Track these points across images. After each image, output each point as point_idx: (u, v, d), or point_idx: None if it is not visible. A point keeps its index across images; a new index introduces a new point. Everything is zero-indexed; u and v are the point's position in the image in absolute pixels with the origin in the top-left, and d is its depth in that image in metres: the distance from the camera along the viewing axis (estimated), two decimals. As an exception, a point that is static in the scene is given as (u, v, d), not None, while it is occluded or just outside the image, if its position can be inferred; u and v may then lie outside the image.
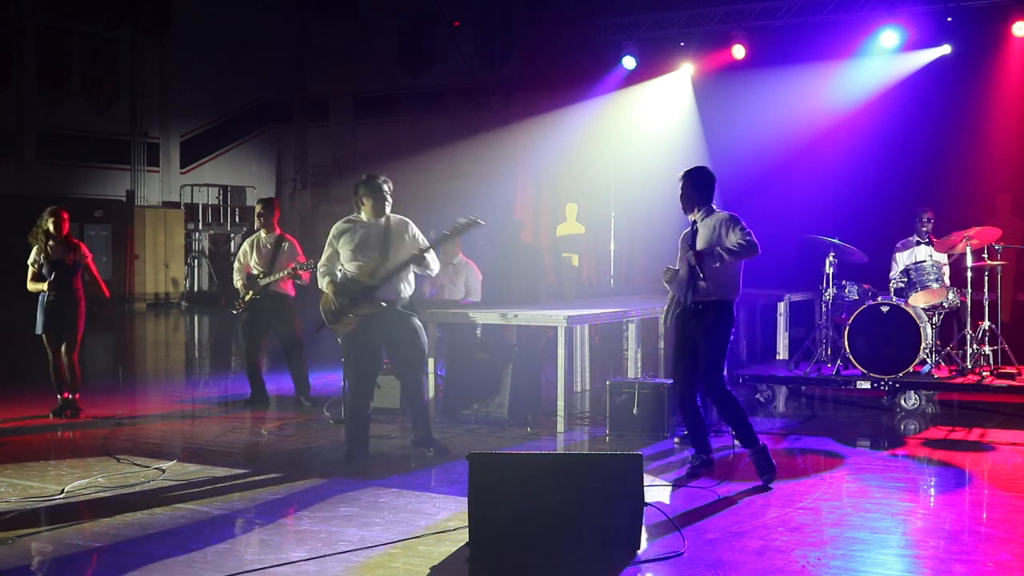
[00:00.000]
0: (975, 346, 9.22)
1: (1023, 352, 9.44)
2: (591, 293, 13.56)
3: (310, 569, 4.70)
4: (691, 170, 6.64)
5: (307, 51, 29.63)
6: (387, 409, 8.49)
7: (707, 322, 6.47)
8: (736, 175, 10.69)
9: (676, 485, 6.35)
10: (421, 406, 7.27)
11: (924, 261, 9.42)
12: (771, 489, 6.17)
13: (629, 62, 13.86)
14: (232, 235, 28.41)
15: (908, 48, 12.23)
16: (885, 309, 9.05)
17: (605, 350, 12.89)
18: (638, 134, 14.24)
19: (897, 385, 9.04)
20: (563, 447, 7.75)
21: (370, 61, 28.36)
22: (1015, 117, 11.85)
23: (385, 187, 7.09)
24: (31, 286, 8.70)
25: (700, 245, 6.44)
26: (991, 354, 9.21)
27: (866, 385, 9.11)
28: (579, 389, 10.40)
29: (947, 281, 9.39)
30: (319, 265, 7.16)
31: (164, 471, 6.64)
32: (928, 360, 9.28)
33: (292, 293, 9.39)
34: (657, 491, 6.14)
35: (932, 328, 9.30)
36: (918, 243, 9.91)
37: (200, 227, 28.19)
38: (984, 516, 5.84)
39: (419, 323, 7.19)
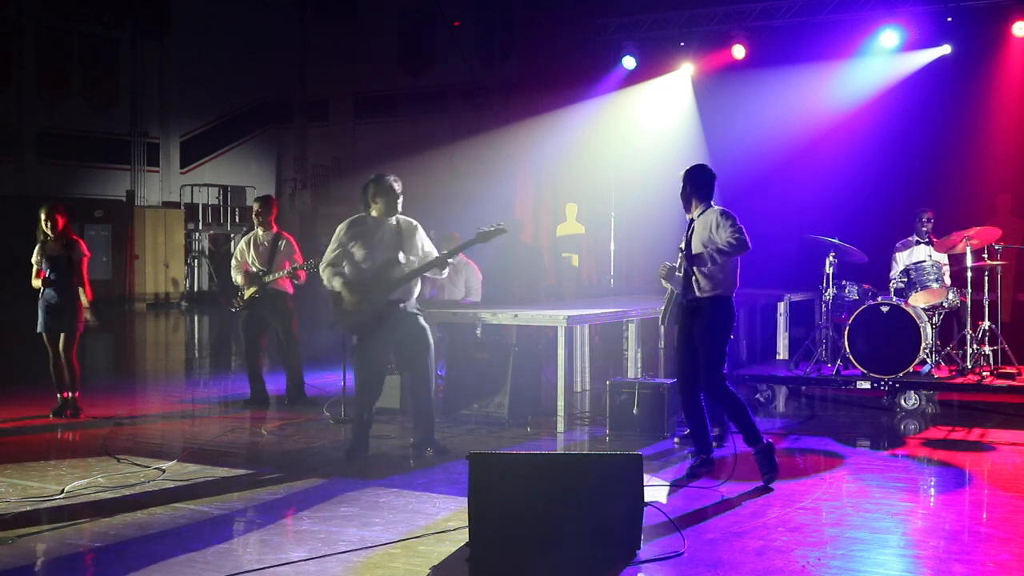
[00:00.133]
0: (975, 346, 9.22)
1: (1023, 352, 9.44)
2: (591, 293, 13.56)
3: (310, 569, 4.70)
4: (691, 168, 6.67)
5: (307, 51, 29.63)
6: (387, 409, 8.49)
7: (705, 319, 6.48)
8: (736, 175, 10.69)
9: (676, 485, 6.35)
10: (427, 409, 7.22)
11: (924, 261, 9.42)
12: (771, 489, 6.17)
13: (629, 62, 13.86)
14: (232, 235, 28.40)
15: (908, 48, 12.23)
16: (885, 309, 9.05)
17: (605, 350, 12.89)
18: (638, 134, 14.24)
19: (897, 385, 9.04)
20: (563, 447, 7.75)
21: (370, 61, 28.37)
22: (1015, 117, 11.85)
23: (396, 186, 7.10)
24: (34, 283, 8.71)
25: (696, 241, 6.48)
26: (991, 354, 9.21)
27: (866, 385, 9.12)
28: (579, 389, 10.40)
29: (947, 281, 9.39)
30: (325, 263, 7.07)
31: (164, 471, 6.64)
32: (928, 360, 9.28)
33: (290, 291, 9.39)
34: (657, 491, 6.15)
35: (932, 328, 9.30)
36: (918, 243, 9.91)
37: (200, 227, 28.19)
38: (984, 516, 5.84)
39: (426, 324, 7.21)
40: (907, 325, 8.94)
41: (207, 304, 25.99)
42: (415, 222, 7.23)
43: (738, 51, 12.99)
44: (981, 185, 11.89)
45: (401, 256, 7.04)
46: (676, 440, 7.66)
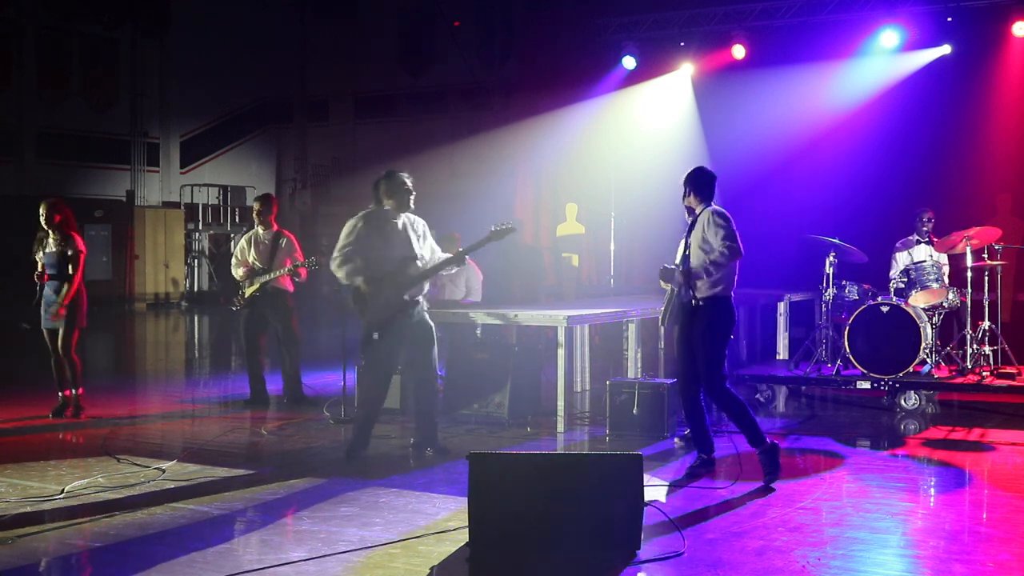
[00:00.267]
0: (975, 346, 9.22)
1: (1023, 352, 9.45)
2: (591, 293, 13.56)
3: (310, 569, 4.70)
4: (691, 171, 6.69)
5: (307, 51, 29.63)
6: (387, 409, 8.47)
7: (704, 320, 6.50)
8: (736, 175, 10.68)
9: (676, 485, 6.35)
10: (431, 409, 7.23)
11: (924, 261, 9.43)
12: (772, 489, 6.17)
13: (629, 62, 13.86)
14: (232, 235, 28.41)
15: (908, 48, 12.23)
16: (885, 309, 9.05)
17: (605, 350, 12.89)
18: (638, 134, 14.23)
19: (897, 385, 9.04)
20: (563, 447, 7.75)
21: (370, 61, 28.36)
22: (1015, 117, 11.84)
23: (409, 183, 7.10)
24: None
25: (693, 242, 6.51)
26: (991, 354, 9.21)
27: (866, 385, 9.12)
28: (579, 389, 10.40)
29: (947, 281, 9.39)
30: (341, 258, 6.93)
31: (164, 471, 6.64)
32: (928, 360, 9.28)
33: (291, 289, 9.40)
34: (657, 491, 6.15)
35: (932, 328, 9.31)
36: (918, 243, 9.91)
37: (200, 227, 28.19)
38: (984, 516, 5.84)
39: (433, 323, 7.23)
40: (907, 325, 8.94)
41: (207, 304, 25.99)
42: (422, 220, 7.25)
43: (738, 51, 12.99)
44: (981, 185, 11.89)
45: (417, 252, 7.06)
46: (676, 440, 7.66)
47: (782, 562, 4.77)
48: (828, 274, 9.47)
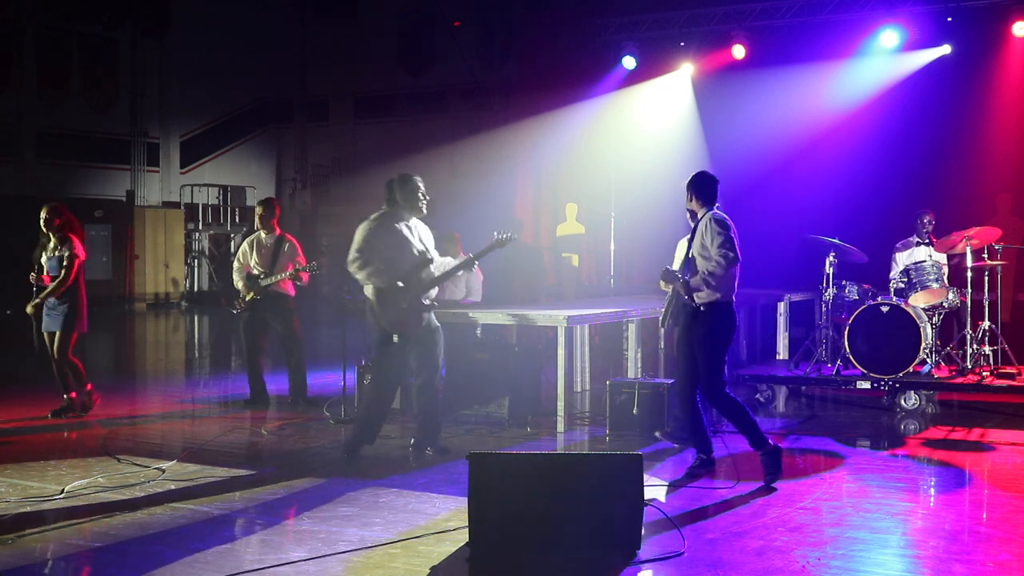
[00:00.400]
0: (975, 346, 9.22)
1: (1023, 352, 9.45)
2: (591, 293, 13.56)
3: (310, 569, 4.70)
4: (693, 176, 6.69)
5: (307, 51, 29.62)
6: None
7: (704, 326, 6.50)
8: (736, 175, 10.68)
9: (676, 485, 6.36)
10: (435, 410, 7.25)
11: (924, 261, 9.43)
12: (772, 489, 6.17)
13: (629, 62, 13.86)
14: (232, 235, 28.41)
15: (908, 48, 12.23)
16: (885, 309, 9.05)
17: (605, 350, 12.89)
18: (638, 134, 14.23)
19: (897, 385, 9.04)
20: (563, 447, 7.75)
21: (370, 61, 28.36)
22: (1015, 117, 11.84)
23: (422, 186, 7.12)
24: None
25: (695, 247, 6.53)
26: (991, 354, 9.21)
27: (866, 385, 9.12)
28: (579, 389, 10.40)
29: (947, 281, 9.39)
30: (360, 262, 6.88)
31: (164, 471, 6.64)
32: (928, 360, 9.28)
33: (292, 293, 9.39)
34: (657, 491, 6.15)
35: (932, 328, 9.30)
36: (918, 243, 9.91)
37: (200, 227, 28.18)
38: (984, 516, 5.84)
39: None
40: (907, 325, 8.94)
41: (207, 304, 25.99)
42: (425, 225, 7.28)
43: (738, 51, 12.99)
44: (981, 185, 11.89)
45: (430, 255, 7.11)
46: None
47: (782, 562, 4.78)
48: (828, 274, 9.47)
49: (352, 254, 6.94)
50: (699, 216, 6.61)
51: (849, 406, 9.65)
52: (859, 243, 9.66)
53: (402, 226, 7.05)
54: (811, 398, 10.12)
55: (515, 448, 7.42)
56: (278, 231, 9.41)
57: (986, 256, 9.25)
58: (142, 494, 6.08)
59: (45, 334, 8.68)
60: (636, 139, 14.24)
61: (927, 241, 9.84)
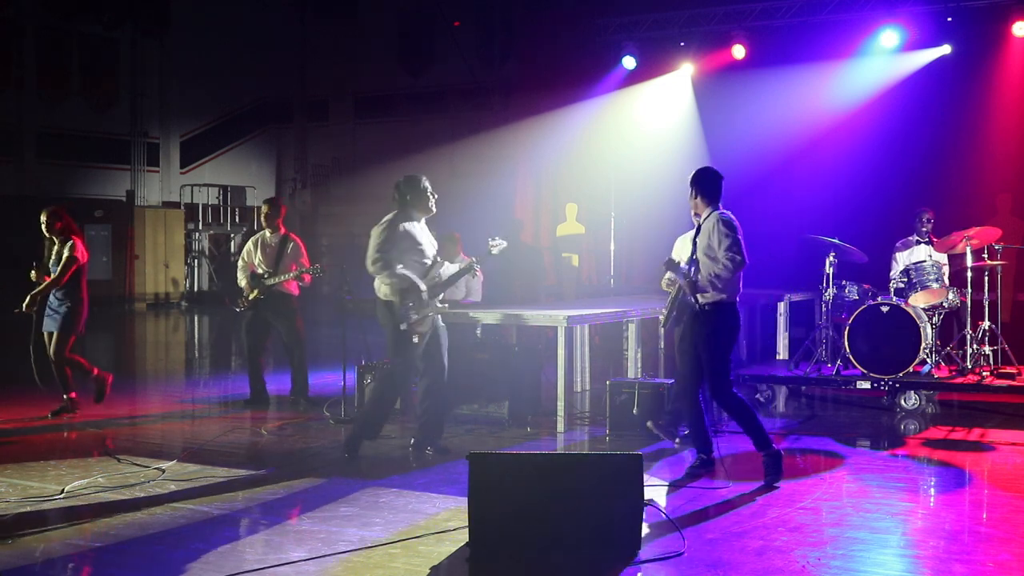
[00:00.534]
0: (975, 346, 9.22)
1: (1023, 352, 9.45)
2: (591, 293, 13.57)
3: (310, 569, 4.70)
4: (696, 172, 6.63)
5: (307, 51, 29.63)
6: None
7: (708, 326, 6.48)
8: (736, 175, 10.59)
9: (676, 485, 6.36)
10: (440, 411, 7.25)
11: (924, 261, 9.43)
12: (772, 489, 6.17)
13: (629, 62, 13.86)
14: (232, 235, 28.40)
15: (908, 48, 12.23)
16: (885, 309, 9.05)
17: (605, 350, 12.89)
18: (638, 134, 14.23)
19: (897, 385, 9.04)
20: (563, 447, 7.75)
21: (370, 61, 28.36)
22: (1015, 117, 11.84)
23: (429, 186, 7.15)
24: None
25: (699, 248, 6.49)
26: (991, 354, 9.21)
27: (866, 385, 9.12)
28: (579, 389, 10.40)
29: (947, 281, 9.39)
30: (381, 263, 6.86)
31: (164, 471, 6.64)
32: (928, 360, 9.28)
33: (296, 293, 9.40)
34: (657, 491, 6.15)
35: (932, 328, 9.31)
36: (918, 243, 9.91)
37: (200, 227, 28.17)
38: (984, 516, 5.84)
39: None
40: (907, 325, 8.94)
41: (207, 304, 25.98)
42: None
43: (738, 51, 12.99)
44: (981, 185, 11.89)
45: (440, 258, 7.16)
46: (676, 440, 7.65)
47: (782, 562, 4.78)
48: (828, 274, 9.47)
49: (372, 255, 6.92)
50: (703, 215, 6.56)
51: (849, 406, 9.65)
52: (859, 243, 9.66)
53: (414, 227, 7.09)
54: (811, 398, 10.13)
55: (515, 448, 7.42)
56: (283, 230, 9.42)
57: (986, 256, 9.25)
58: (142, 494, 6.09)
59: (44, 334, 8.69)
60: (636, 139, 14.24)
61: (927, 240, 9.84)
